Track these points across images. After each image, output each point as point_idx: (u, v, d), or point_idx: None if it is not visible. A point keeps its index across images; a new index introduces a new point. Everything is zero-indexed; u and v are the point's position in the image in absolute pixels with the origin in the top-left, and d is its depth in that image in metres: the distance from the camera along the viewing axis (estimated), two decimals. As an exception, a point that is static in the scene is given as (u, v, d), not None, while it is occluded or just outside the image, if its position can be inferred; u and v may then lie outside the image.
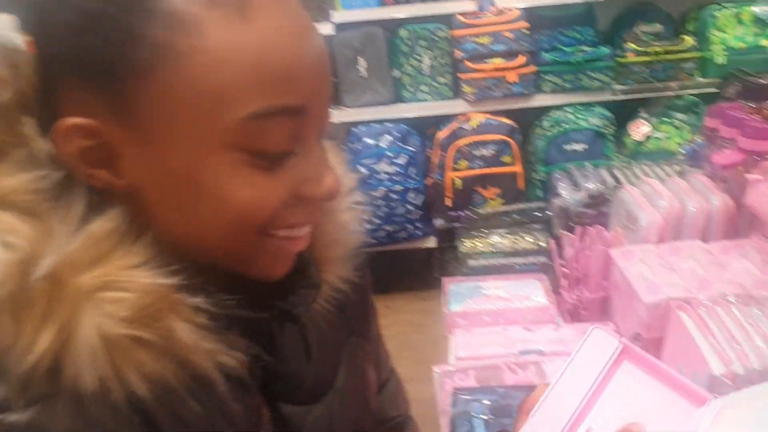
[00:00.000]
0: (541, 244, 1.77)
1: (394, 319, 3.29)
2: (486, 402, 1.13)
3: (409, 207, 3.12)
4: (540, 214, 1.94)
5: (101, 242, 0.51)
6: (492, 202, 3.09)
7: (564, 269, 1.58)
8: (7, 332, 0.48)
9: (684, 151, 1.82)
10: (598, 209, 1.74)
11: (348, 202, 0.73)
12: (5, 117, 0.53)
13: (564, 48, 3.06)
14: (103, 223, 0.52)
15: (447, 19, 3.12)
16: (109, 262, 0.51)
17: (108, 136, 0.52)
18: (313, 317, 0.70)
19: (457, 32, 3.06)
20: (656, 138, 3.06)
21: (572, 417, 0.69)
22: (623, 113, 3.18)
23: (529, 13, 3.09)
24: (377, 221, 3.13)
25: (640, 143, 3.07)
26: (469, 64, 3.03)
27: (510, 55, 3.03)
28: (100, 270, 0.50)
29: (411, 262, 3.35)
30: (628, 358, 0.74)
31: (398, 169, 3.09)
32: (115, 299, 0.50)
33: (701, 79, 3.02)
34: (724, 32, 2.97)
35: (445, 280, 1.65)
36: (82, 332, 0.49)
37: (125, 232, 0.53)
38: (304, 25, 0.55)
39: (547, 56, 3.05)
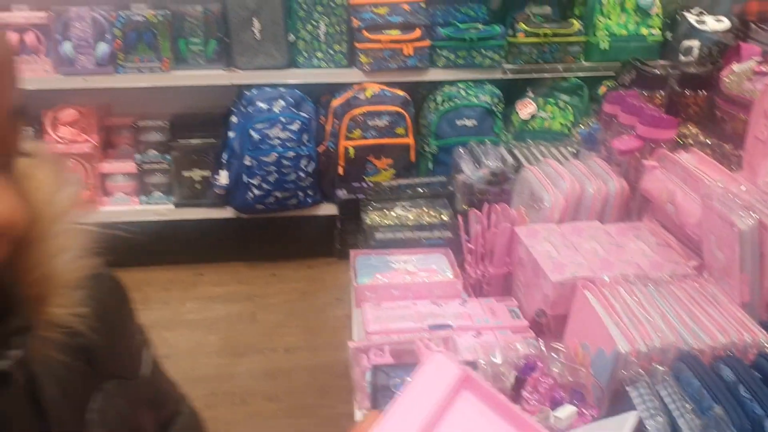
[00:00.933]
0: (444, 218, 1.79)
1: (281, 288, 3.26)
2: (408, 379, 1.14)
3: (301, 174, 3.07)
4: (440, 189, 1.96)
5: None
6: (384, 173, 3.10)
7: (469, 245, 1.61)
8: None
9: (579, 134, 1.90)
10: (500, 187, 1.78)
11: (64, 225, 0.60)
12: None
13: (458, 24, 3.10)
14: None
15: (346, -14, 3.06)
16: None
17: None
18: (43, 374, 0.59)
19: (355, 0, 3.02)
20: (541, 117, 3.18)
21: None
22: (512, 92, 3.28)
23: (426, -13, 3.09)
24: (267, 187, 3.06)
25: (525, 122, 3.18)
26: (366, 33, 3.00)
27: (406, 27, 3.02)
28: None
29: (300, 229, 3.31)
30: (468, 388, 0.74)
31: (291, 135, 3.02)
32: None
33: (585, 63, 3.16)
34: (608, 19, 3.12)
35: (353, 252, 1.64)
36: None
37: None
38: None
39: (442, 31, 3.07)
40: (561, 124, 3.13)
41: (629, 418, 0.72)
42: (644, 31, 3.11)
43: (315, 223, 3.22)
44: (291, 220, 3.27)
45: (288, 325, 2.98)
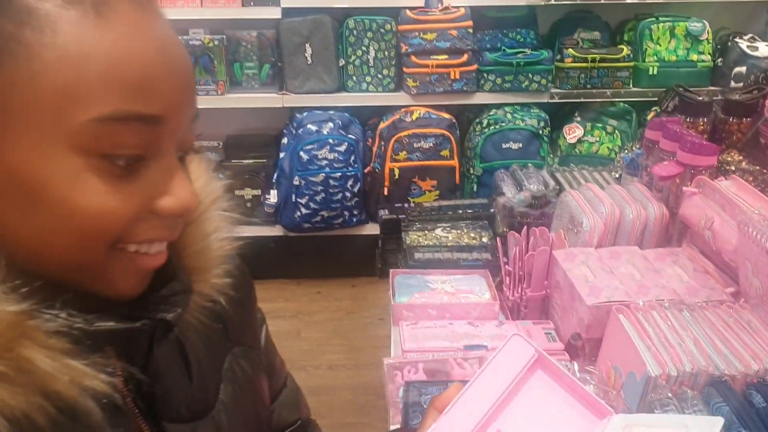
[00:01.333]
0: (484, 240, 1.82)
1: (325, 305, 3.32)
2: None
3: (347, 194, 3.14)
4: (481, 211, 1.99)
5: None
6: (428, 194, 3.15)
7: (507, 267, 1.63)
8: None
9: (623, 159, 1.91)
10: (540, 210, 1.80)
11: (216, 210, 0.71)
12: None
13: (506, 49, 3.14)
14: None
15: (395, 13, 3.14)
16: None
17: None
18: (190, 332, 0.69)
19: (404, 27, 3.09)
20: (588, 142, 3.18)
21: (484, 417, 0.72)
22: (559, 116, 3.29)
23: (474, 13, 3.15)
24: (315, 206, 3.13)
25: (572, 146, 3.19)
26: (414, 58, 3.07)
27: (454, 52, 3.08)
28: None
29: (344, 248, 3.37)
30: (541, 368, 0.79)
31: (339, 156, 3.10)
32: None
33: (634, 88, 3.15)
34: (658, 44, 3.11)
35: (392, 271, 1.68)
36: None
37: None
38: (165, 35, 0.54)
39: (489, 56, 3.12)
40: (608, 148, 3.13)
41: (716, 423, 0.73)
42: (694, 56, 3.09)
43: (360, 243, 3.28)
44: (337, 239, 3.34)
45: (332, 343, 3.03)
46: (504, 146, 3.13)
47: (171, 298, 0.61)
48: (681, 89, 1.78)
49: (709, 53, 3.08)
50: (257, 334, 0.83)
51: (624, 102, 3.16)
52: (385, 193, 3.13)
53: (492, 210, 1.94)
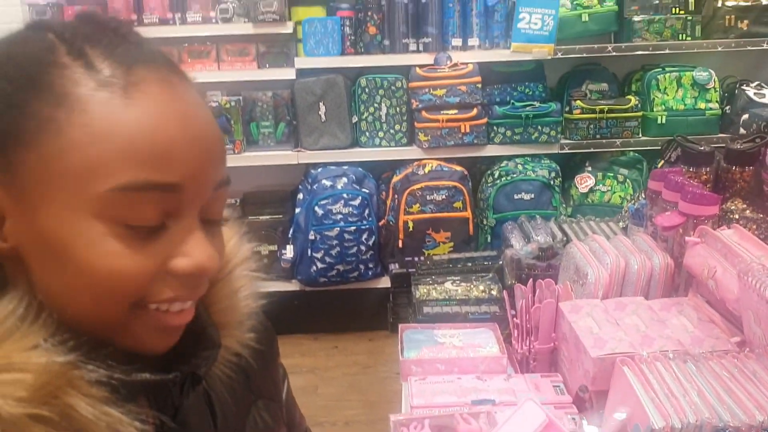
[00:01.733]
0: (493, 292, 1.83)
1: (342, 360, 3.32)
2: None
3: (362, 247, 3.18)
4: (491, 263, 2.01)
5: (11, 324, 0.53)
6: (443, 246, 3.17)
7: (515, 320, 1.65)
8: None
9: (628, 210, 1.93)
10: (548, 262, 1.82)
11: (244, 270, 0.75)
12: None
13: (515, 102, 3.20)
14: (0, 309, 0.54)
15: (405, 71, 3.23)
16: (6, 345, 0.52)
17: None
18: (216, 383, 0.73)
19: (415, 84, 3.17)
20: (600, 191, 3.20)
21: None
22: (570, 166, 3.32)
23: (483, 68, 3.22)
24: (330, 261, 3.17)
25: (585, 195, 3.21)
26: (424, 113, 3.14)
27: (463, 107, 3.15)
28: None
29: (360, 302, 3.39)
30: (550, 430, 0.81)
31: (353, 210, 3.15)
32: (13, 380, 0.51)
33: (643, 137, 3.19)
34: (665, 94, 3.15)
35: (401, 326, 1.70)
36: None
37: (22, 314, 0.54)
38: (192, 110, 0.58)
39: (498, 109, 3.18)
40: (620, 197, 3.15)
41: None
42: (702, 105, 3.12)
43: (376, 296, 3.29)
44: (353, 293, 3.36)
45: (348, 399, 3.02)
46: (516, 197, 3.17)
47: (201, 353, 0.65)
48: (682, 139, 1.81)
49: (716, 101, 3.11)
50: (279, 387, 0.86)
51: (634, 151, 3.19)
52: (400, 245, 3.16)
53: (501, 262, 1.96)
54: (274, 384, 0.85)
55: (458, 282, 1.91)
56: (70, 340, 0.54)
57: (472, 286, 1.89)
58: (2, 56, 0.55)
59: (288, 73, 3.23)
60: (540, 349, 1.61)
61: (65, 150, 0.53)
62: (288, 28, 3.21)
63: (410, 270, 1.96)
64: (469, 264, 2.01)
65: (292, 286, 3.35)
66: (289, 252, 3.27)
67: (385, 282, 3.28)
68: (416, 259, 1.92)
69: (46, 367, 0.52)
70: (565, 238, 1.96)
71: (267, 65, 3.30)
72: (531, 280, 1.64)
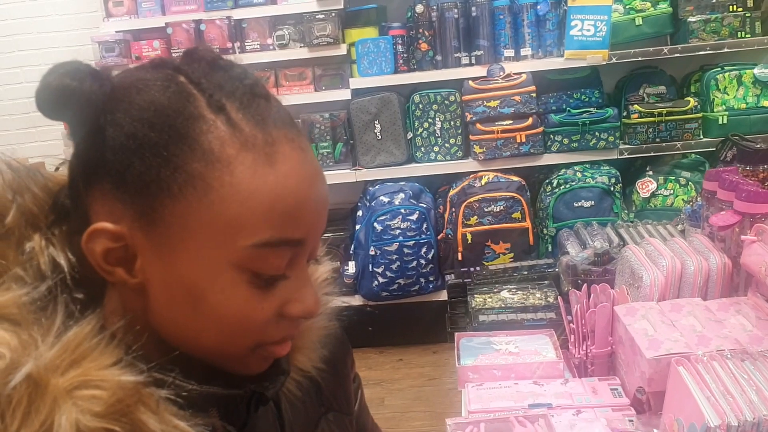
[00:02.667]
0: (550, 300, 1.84)
1: (407, 373, 3.35)
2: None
3: (422, 261, 3.21)
4: (548, 271, 2.01)
5: (77, 347, 0.57)
6: (503, 257, 3.18)
7: (571, 325, 1.65)
8: None
9: (685, 211, 1.91)
10: (603, 267, 1.82)
11: (321, 292, 0.79)
12: (9, 237, 0.62)
13: (571, 110, 3.19)
14: (80, 330, 0.57)
15: (458, 85, 3.27)
16: (85, 363, 0.56)
17: (131, 241, 0.59)
18: (287, 396, 0.76)
19: (468, 97, 3.21)
20: (663, 195, 3.15)
21: None
22: (630, 171, 3.28)
23: (538, 77, 3.23)
24: (391, 275, 3.22)
25: (647, 200, 3.16)
26: (479, 126, 3.16)
27: (518, 117, 3.16)
28: (75, 371, 0.55)
29: (423, 315, 3.42)
30: None
31: (411, 225, 3.19)
32: (90, 396, 0.55)
33: (705, 139, 3.12)
34: (725, 94, 3.09)
35: (458, 335, 1.72)
36: (60, 427, 0.53)
37: (100, 335, 0.58)
38: (316, 172, 0.63)
39: (554, 117, 3.17)
40: (683, 201, 3.09)
41: None
42: (765, 102, 3.04)
43: (437, 309, 3.31)
44: (416, 306, 3.39)
45: (415, 410, 3.05)
46: (576, 205, 3.15)
47: (272, 374, 0.69)
48: (737, 138, 1.78)
49: (780, 98, 3.03)
50: (351, 399, 0.89)
51: (696, 153, 3.13)
52: (460, 258, 3.18)
53: (557, 269, 1.97)
54: (345, 396, 0.87)
55: (515, 291, 1.93)
56: (142, 360, 0.58)
57: (528, 294, 1.90)
58: (143, 103, 0.58)
59: (344, 94, 3.32)
60: (597, 354, 1.61)
61: (211, 206, 0.57)
62: (342, 50, 3.31)
63: (466, 280, 1.98)
64: (526, 272, 2.02)
65: (356, 301, 3.41)
66: (351, 268, 3.33)
67: (446, 295, 3.30)
68: (472, 269, 1.95)
69: (120, 385, 0.56)
70: (621, 243, 1.95)
71: (323, 87, 3.40)
72: (585, 285, 1.65)
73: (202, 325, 0.61)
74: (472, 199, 3.13)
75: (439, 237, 3.25)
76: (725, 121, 3.05)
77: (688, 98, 3.14)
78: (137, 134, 0.57)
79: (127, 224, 0.59)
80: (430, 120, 3.28)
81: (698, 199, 1.95)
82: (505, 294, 1.90)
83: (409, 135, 3.32)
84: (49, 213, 0.65)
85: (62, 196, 0.65)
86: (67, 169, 0.64)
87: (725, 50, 3.11)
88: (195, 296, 0.60)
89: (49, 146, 4.00)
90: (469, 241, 3.15)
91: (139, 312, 0.62)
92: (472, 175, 3.23)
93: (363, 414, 0.93)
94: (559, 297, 1.74)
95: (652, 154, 3.18)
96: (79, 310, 0.60)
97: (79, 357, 0.57)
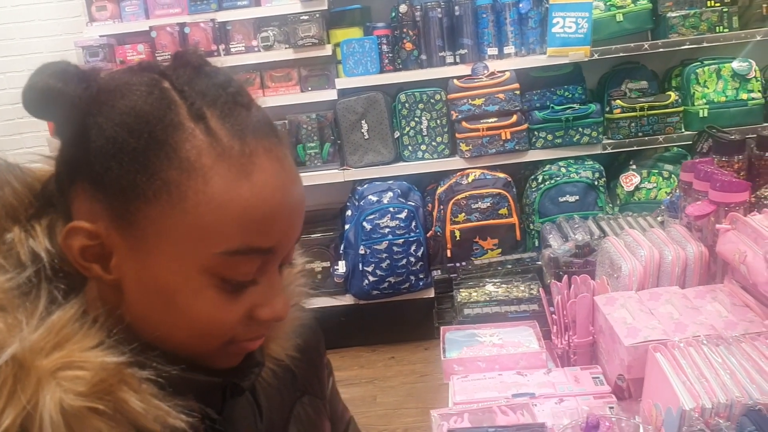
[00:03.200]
0: (533, 292, 1.87)
1: (399, 370, 3.38)
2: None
3: (411, 259, 3.24)
4: (532, 264, 2.05)
5: (60, 330, 0.60)
6: (491, 252, 3.21)
7: (554, 316, 1.68)
8: None
9: (663, 203, 1.95)
10: (584, 259, 1.85)
11: (296, 287, 0.81)
12: None
13: (554, 106, 3.23)
14: (63, 314, 0.60)
15: (443, 84, 3.30)
16: (68, 345, 0.59)
17: (107, 239, 0.62)
18: (262, 384, 0.79)
19: (453, 95, 3.24)
20: (646, 189, 3.19)
21: None
22: (614, 165, 3.32)
23: (521, 75, 3.27)
24: (381, 273, 3.25)
25: (631, 194, 3.20)
26: (465, 124, 3.20)
27: (503, 114, 3.19)
28: (59, 353, 0.58)
29: (414, 312, 3.45)
30: None
31: (400, 223, 3.22)
32: (73, 377, 0.58)
33: (686, 132, 3.17)
34: (705, 87, 3.13)
35: (443, 328, 1.75)
36: (45, 406, 0.56)
37: (82, 319, 0.61)
38: (291, 180, 0.64)
39: (538, 114, 3.21)
40: (666, 193, 3.13)
41: None
42: (744, 95, 3.09)
43: (429, 306, 3.34)
44: (406, 304, 3.42)
45: (406, 407, 3.08)
46: (561, 200, 3.19)
47: (246, 369, 0.72)
48: (713, 131, 1.82)
49: (759, 91, 3.07)
50: (324, 385, 0.92)
51: (678, 147, 3.17)
52: (449, 255, 3.21)
53: (540, 263, 2.00)
54: (319, 382, 0.91)
55: (499, 284, 1.96)
56: (123, 343, 0.61)
57: (512, 287, 1.93)
58: (125, 108, 0.60)
59: (330, 95, 3.35)
60: (579, 343, 1.64)
61: (185, 213, 0.59)
62: (327, 51, 3.33)
63: (452, 275, 2.01)
64: (510, 266, 2.06)
65: (347, 300, 3.44)
66: (341, 267, 3.36)
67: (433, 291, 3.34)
68: (457, 264, 1.98)
69: (103, 366, 0.59)
70: (602, 235, 1.98)
71: (309, 88, 3.43)
72: (566, 276, 1.68)
73: (174, 324, 0.63)
74: (459, 197, 3.17)
75: (428, 235, 3.28)
76: (706, 115, 3.10)
77: (669, 92, 3.19)
78: (117, 138, 0.59)
79: (104, 224, 0.61)
80: (416, 119, 3.31)
81: (677, 190, 1.99)
82: (490, 288, 1.94)
83: (396, 134, 3.35)
84: (32, 203, 0.67)
85: (50, 186, 0.68)
86: (54, 163, 0.66)
87: (704, 45, 3.15)
88: (166, 296, 0.62)
89: (34, 152, 3.99)
90: (458, 238, 3.18)
91: (115, 306, 0.65)
92: (459, 173, 3.27)
93: (334, 399, 0.97)
94: (541, 289, 1.77)
95: (635, 148, 3.22)
96: (62, 296, 0.63)
97: (62, 339, 0.59)
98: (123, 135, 0.59)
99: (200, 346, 0.65)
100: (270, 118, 0.67)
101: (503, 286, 1.93)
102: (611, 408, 1.38)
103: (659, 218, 2.06)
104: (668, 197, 1.94)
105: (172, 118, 0.59)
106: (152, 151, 0.59)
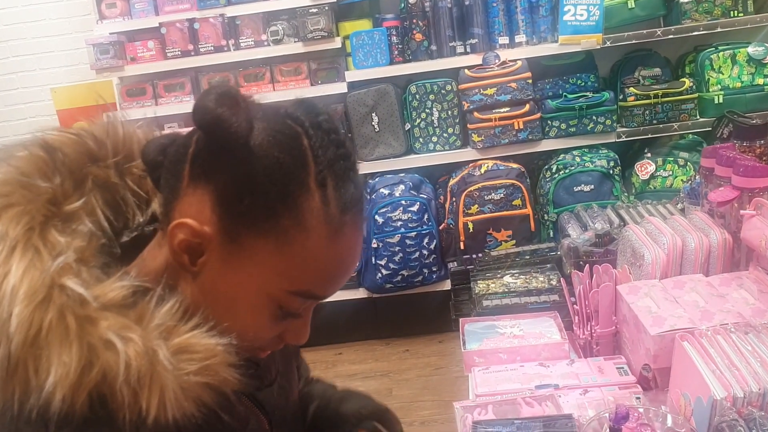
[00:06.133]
0: (553, 283, 1.85)
1: (413, 363, 3.37)
2: (505, 432, 1.21)
3: (424, 252, 3.22)
4: (550, 254, 2.02)
5: (174, 321, 0.72)
6: (505, 244, 3.18)
7: (575, 306, 1.66)
8: (129, 400, 0.68)
9: (683, 190, 1.92)
10: (605, 248, 1.83)
11: None
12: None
13: (567, 95, 3.20)
14: (168, 309, 0.73)
15: (454, 74, 3.27)
16: (177, 333, 0.72)
17: (206, 242, 0.73)
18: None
19: (464, 85, 3.21)
20: (662, 177, 3.16)
21: None
22: (629, 153, 3.29)
23: (533, 64, 3.23)
24: (394, 267, 3.23)
25: (646, 182, 3.17)
26: (476, 114, 3.17)
27: (515, 104, 3.16)
28: (172, 341, 0.71)
29: (428, 305, 3.43)
30: None
31: (412, 216, 3.20)
32: (188, 359, 0.71)
33: (701, 119, 3.13)
34: (720, 73, 3.09)
35: (462, 320, 1.73)
36: (168, 389, 0.68)
37: (184, 312, 0.74)
38: (360, 247, 0.79)
39: (551, 103, 3.18)
40: (682, 181, 3.10)
41: None
42: (760, 81, 3.05)
43: (442, 299, 3.33)
44: (420, 297, 3.40)
45: (422, 399, 3.06)
46: (576, 189, 3.16)
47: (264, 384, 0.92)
48: (734, 115, 1.79)
49: (775, 75, 3.03)
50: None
51: (693, 134, 3.14)
52: (462, 247, 3.19)
53: (558, 253, 1.98)
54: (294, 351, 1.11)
55: (517, 275, 1.94)
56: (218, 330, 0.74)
57: (531, 277, 1.91)
58: (273, 158, 0.70)
59: (340, 88, 3.32)
60: (602, 334, 1.62)
61: (281, 254, 0.72)
62: (336, 44, 3.31)
63: (469, 267, 1.99)
64: (528, 257, 2.03)
65: (360, 293, 3.42)
66: (354, 261, 3.35)
67: (449, 284, 3.32)
68: (474, 256, 1.96)
69: (210, 347, 0.72)
70: (622, 224, 1.96)
71: (319, 82, 3.40)
72: (588, 266, 1.66)
73: (223, 320, 0.75)
74: (472, 188, 3.14)
75: (440, 227, 3.26)
76: (721, 101, 3.06)
77: (683, 79, 3.15)
78: (258, 179, 0.70)
79: (211, 230, 0.72)
80: (427, 110, 3.28)
81: (696, 177, 1.96)
82: (507, 279, 1.91)
83: (407, 126, 3.32)
84: (139, 164, 0.82)
85: (157, 155, 0.79)
86: (183, 148, 0.75)
87: (718, 30, 3.11)
88: (232, 302, 0.76)
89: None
90: (471, 230, 3.16)
91: (183, 285, 0.77)
92: (471, 164, 3.24)
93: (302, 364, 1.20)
94: (561, 279, 1.75)
95: (650, 136, 3.19)
96: (159, 296, 0.74)
97: (172, 330, 0.71)
98: (263, 179, 0.70)
99: (245, 343, 0.77)
100: (361, 183, 0.79)
101: (521, 277, 1.91)
102: (638, 398, 1.36)
103: (679, 206, 2.03)
104: (687, 184, 1.91)
105: (303, 179, 0.71)
106: (280, 200, 0.70)
